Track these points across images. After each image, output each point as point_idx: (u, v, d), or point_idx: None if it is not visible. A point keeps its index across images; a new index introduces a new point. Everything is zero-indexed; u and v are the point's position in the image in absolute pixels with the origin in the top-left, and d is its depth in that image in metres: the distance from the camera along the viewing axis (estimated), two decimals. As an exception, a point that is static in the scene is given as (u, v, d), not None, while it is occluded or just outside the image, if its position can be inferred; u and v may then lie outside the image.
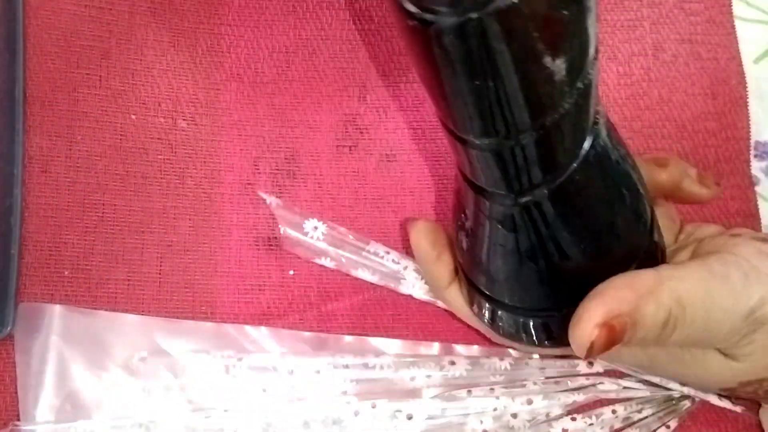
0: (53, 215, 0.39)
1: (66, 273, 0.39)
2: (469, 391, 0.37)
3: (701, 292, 0.29)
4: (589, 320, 0.28)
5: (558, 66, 0.22)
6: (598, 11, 0.23)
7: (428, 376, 0.38)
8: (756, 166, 0.43)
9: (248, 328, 0.39)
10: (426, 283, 0.39)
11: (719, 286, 0.30)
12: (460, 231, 0.31)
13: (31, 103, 0.40)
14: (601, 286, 0.30)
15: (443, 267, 0.35)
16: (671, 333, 0.30)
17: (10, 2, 0.40)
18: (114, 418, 0.36)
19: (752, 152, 0.43)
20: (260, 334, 0.39)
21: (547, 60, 0.22)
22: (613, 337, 0.28)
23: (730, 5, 0.45)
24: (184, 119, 0.41)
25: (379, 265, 0.40)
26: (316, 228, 0.40)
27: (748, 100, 0.43)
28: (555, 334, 0.31)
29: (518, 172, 0.25)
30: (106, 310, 0.38)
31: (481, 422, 0.37)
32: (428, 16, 0.20)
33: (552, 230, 0.28)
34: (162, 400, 0.37)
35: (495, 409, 0.37)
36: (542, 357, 0.39)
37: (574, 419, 0.37)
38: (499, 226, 0.28)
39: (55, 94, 0.40)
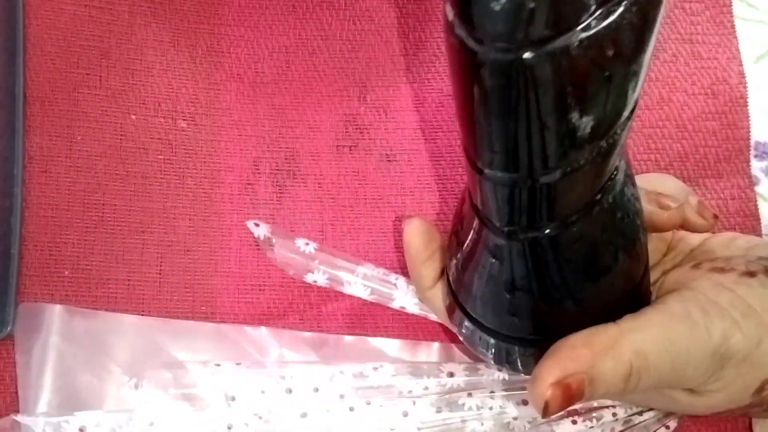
0: (53, 215, 0.39)
1: (66, 273, 0.39)
2: (470, 394, 0.37)
3: (663, 338, 0.29)
4: (544, 380, 0.29)
5: (583, 123, 0.22)
6: (645, 73, 0.23)
7: (426, 388, 0.37)
8: (756, 166, 0.43)
9: (248, 328, 0.39)
10: (411, 281, 0.38)
11: (681, 327, 0.29)
12: (454, 242, 0.31)
13: (31, 103, 0.40)
14: (557, 344, 0.30)
15: (430, 269, 0.35)
16: (636, 383, 0.30)
17: (10, 2, 0.40)
18: (111, 412, 0.36)
19: (752, 152, 0.43)
20: (260, 334, 0.39)
21: (574, 116, 0.22)
22: (569, 395, 0.29)
23: (730, 5, 0.45)
24: (184, 119, 0.41)
25: (370, 281, 0.39)
26: (307, 244, 0.39)
27: (748, 99, 0.43)
28: (532, 364, 0.31)
29: (519, 212, 0.26)
30: (106, 310, 0.39)
31: (482, 424, 0.37)
32: (475, 46, 0.20)
33: (538, 270, 0.28)
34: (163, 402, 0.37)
35: (491, 408, 0.37)
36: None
37: (574, 422, 0.37)
38: (492, 257, 0.28)
39: (55, 94, 0.40)
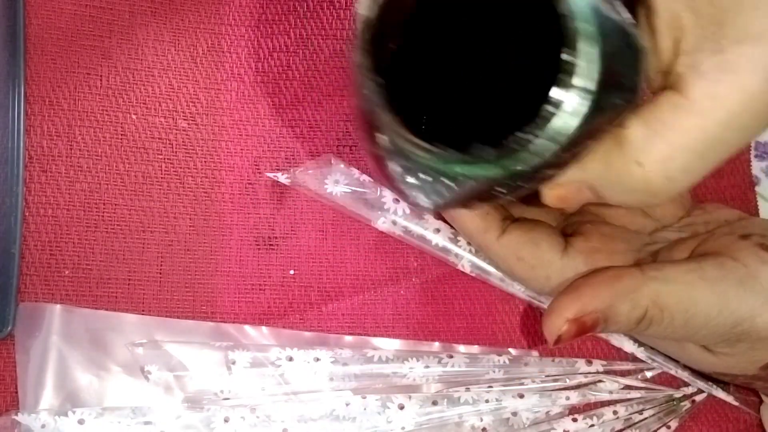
0: (54, 215, 0.39)
1: (66, 272, 0.39)
2: (468, 389, 0.38)
3: (685, 297, 0.29)
4: (560, 315, 0.30)
5: None
6: None
7: (426, 367, 0.38)
8: (756, 166, 0.43)
9: (248, 327, 0.39)
10: None
11: (707, 292, 0.29)
12: None
13: (31, 103, 0.40)
14: (578, 281, 0.31)
15: None
16: (646, 328, 0.30)
17: (10, 2, 0.40)
18: (112, 408, 0.36)
19: (752, 152, 0.43)
20: (261, 333, 0.39)
21: None
22: (582, 331, 0.30)
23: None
24: (184, 119, 0.41)
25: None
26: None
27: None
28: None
29: None
30: (106, 309, 0.39)
31: (481, 419, 0.37)
32: None
33: None
34: (160, 393, 0.37)
35: (487, 401, 0.37)
36: (541, 355, 0.39)
37: (575, 420, 0.38)
38: None
39: (56, 94, 0.40)
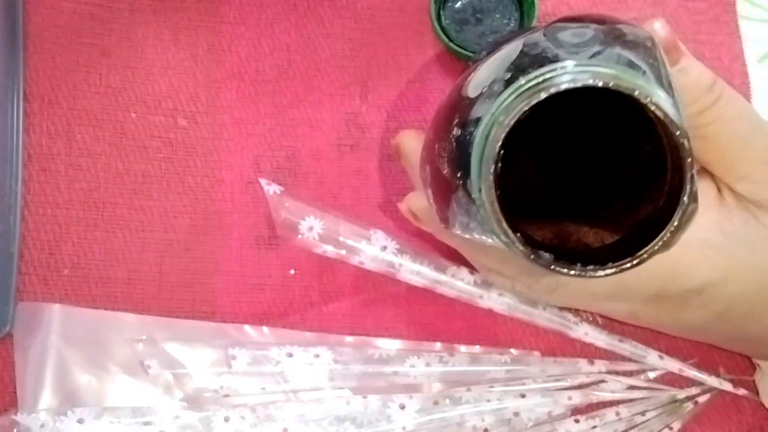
0: (53, 214, 0.39)
1: (65, 272, 0.39)
2: (469, 389, 0.37)
3: None
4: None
5: None
6: None
7: (428, 366, 0.37)
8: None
9: (248, 327, 0.39)
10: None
11: None
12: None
13: (31, 101, 0.40)
14: None
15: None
16: None
17: (10, 0, 0.40)
18: (111, 408, 0.36)
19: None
20: (261, 333, 0.39)
21: None
22: None
23: (734, 4, 0.44)
24: (184, 117, 0.41)
25: (378, 256, 0.39)
26: (311, 228, 0.38)
27: (751, 100, 0.43)
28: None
29: None
30: (105, 309, 0.38)
31: (483, 420, 0.37)
32: None
33: None
34: (160, 393, 0.37)
35: (488, 401, 0.37)
36: (543, 355, 0.39)
37: (577, 421, 0.37)
38: None
39: (55, 92, 0.40)
